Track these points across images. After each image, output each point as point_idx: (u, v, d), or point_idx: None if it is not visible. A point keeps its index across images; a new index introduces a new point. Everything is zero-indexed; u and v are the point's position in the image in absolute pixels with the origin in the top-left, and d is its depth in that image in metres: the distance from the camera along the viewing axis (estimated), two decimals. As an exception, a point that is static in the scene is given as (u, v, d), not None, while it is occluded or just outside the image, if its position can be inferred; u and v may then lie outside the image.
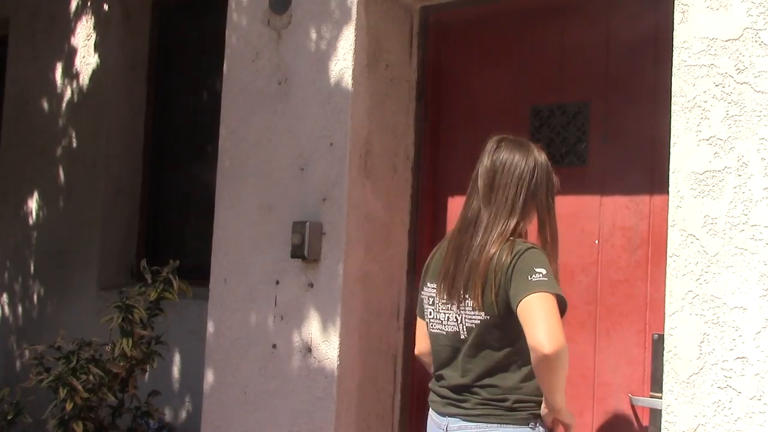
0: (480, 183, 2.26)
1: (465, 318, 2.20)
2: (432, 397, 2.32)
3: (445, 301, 2.25)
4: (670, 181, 2.22)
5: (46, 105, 4.85)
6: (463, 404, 2.21)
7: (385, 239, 3.17)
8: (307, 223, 3.05)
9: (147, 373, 3.60)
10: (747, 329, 2.06)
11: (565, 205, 2.96)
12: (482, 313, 2.15)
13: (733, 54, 2.14)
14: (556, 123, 3.00)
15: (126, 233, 4.62)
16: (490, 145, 2.30)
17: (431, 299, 2.31)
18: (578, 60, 2.97)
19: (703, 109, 2.18)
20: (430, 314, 2.31)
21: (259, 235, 3.27)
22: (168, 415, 3.99)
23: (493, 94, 3.17)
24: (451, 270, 2.23)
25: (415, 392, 3.24)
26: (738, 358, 2.07)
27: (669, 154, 2.25)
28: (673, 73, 2.25)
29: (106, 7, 4.61)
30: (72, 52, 4.73)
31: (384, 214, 3.16)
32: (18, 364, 4.79)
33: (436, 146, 3.29)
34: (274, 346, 3.19)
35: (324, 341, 3.03)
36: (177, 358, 4.06)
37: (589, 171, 2.91)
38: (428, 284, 2.35)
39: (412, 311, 3.25)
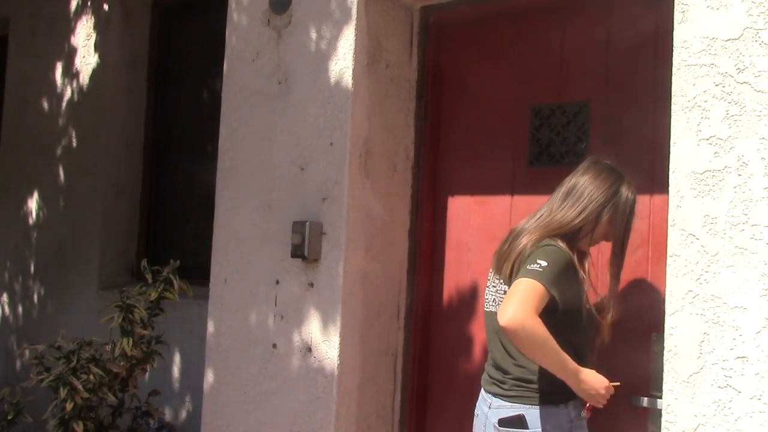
0: (559, 191, 2.47)
1: (497, 299, 2.43)
2: (483, 375, 2.55)
3: (491, 281, 2.50)
4: (670, 180, 2.22)
5: (46, 105, 4.85)
6: (502, 384, 2.42)
7: (385, 239, 3.17)
8: (307, 223, 3.05)
9: (147, 373, 3.60)
10: (747, 329, 2.06)
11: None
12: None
13: (734, 54, 2.14)
14: (556, 123, 3.00)
15: (126, 233, 4.62)
16: (586, 163, 2.51)
17: (488, 281, 2.55)
18: (578, 60, 2.97)
19: (704, 109, 2.18)
20: (485, 295, 2.55)
21: (259, 234, 3.27)
22: (168, 415, 3.99)
23: (493, 94, 3.17)
24: (498, 253, 2.48)
25: (415, 392, 3.24)
26: (738, 357, 2.07)
27: (669, 153, 2.25)
28: (673, 73, 2.25)
29: (106, 7, 4.61)
30: (72, 52, 4.73)
31: (384, 214, 3.16)
32: (18, 363, 4.79)
33: (436, 146, 3.29)
34: (274, 345, 3.19)
35: (324, 341, 3.03)
36: (177, 358, 4.06)
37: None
38: (491, 269, 2.56)
39: (412, 311, 3.25)
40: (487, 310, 2.51)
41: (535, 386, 2.34)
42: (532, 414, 2.32)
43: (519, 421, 2.34)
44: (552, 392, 2.32)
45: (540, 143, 3.04)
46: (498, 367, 2.45)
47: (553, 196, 2.48)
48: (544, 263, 2.25)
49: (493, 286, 2.49)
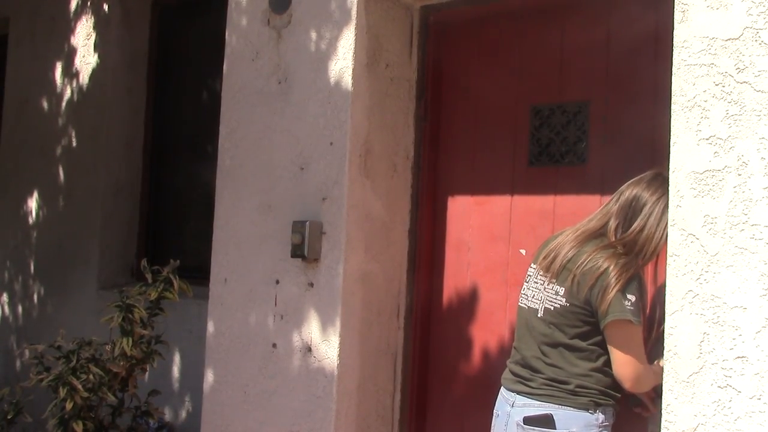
0: (620, 202, 2.44)
1: (547, 298, 2.39)
2: (505, 373, 2.51)
3: (537, 279, 2.45)
4: (669, 180, 2.22)
5: (46, 105, 4.85)
6: (529, 383, 2.38)
7: (385, 239, 3.17)
8: (307, 223, 3.05)
9: (147, 373, 3.59)
10: (747, 328, 2.06)
11: (565, 204, 2.96)
12: (563, 299, 2.34)
13: (733, 53, 2.14)
14: (556, 122, 3.00)
15: (126, 233, 4.62)
16: (648, 174, 2.47)
17: (528, 277, 2.51)
18: (578, 60, 2.97)
19: (703, 109, 2.18)
20: (523, 289, 2.51)
21: (259, 234, 3.27)
22: (168, 415, 3.99)
23: (493, 94, 3.17)
24: (554, 252, 2.42)
25: (415, 392, 3.24)
26: (738, 357, 2.07)
27: (669, 153, 2.25)
28: (673, 73, 2.25)
29: (106, 7, 4.61)
30: (72, 52, 4.73)
31: (384, 214, 3.16)
32: (18, 363, 4.79)
33: (436, 146, 3.29)
34: (274, 345, 3.19)
35: (324, 341, 3.03)
36: (177, 358, 4.06)
37: (589, 170, 2.91)
38: (532, 264, 2.53)
39: (412, 310, 3.25)
40: (526, 306, 2.46)
41: (568, 387, 2.31)
42: (561, 414, 2.30)
43: (547, 420, 2.32)
44: (584, 396, 2.31)
45: (540, 143, 3.04)
46: (527, 365, 2.41)
47: (618, 204, 2.43)
48: (633, 298, 2.26)
49: (541, 284, 2.42)
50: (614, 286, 2.25)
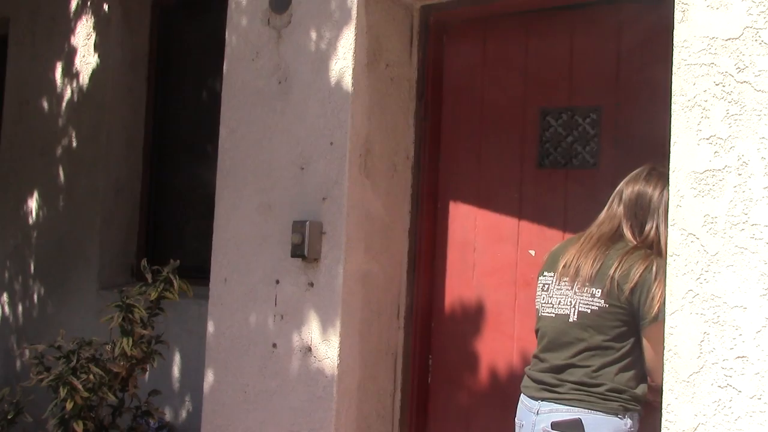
0: (624, 202, 2.45)
1: (581, 302, 2.36)
2: (525, 382, 2.46)
3: (561, 285, 2.42)
4: (670, 180, 2.22)
5: (46, 105, 4.85)
6: (557, 389, 2.34)
7: (385, 239, 3.17)
8: (307, 223, 3.05)
9: (147, 373, 3.60)
10: (747, 328, 2.06)
11: (575, 207, 2.97)
12: (602, 301, 2.33)
13: (734, 53, 2.14)
14: (564, 126, 3.00)
15: (126, 233, 4.62)
16: (643, 170, 2.48)
17: (546, 286, 2.48)
18: (585, 62, 2.96)
19: (704, 108, 2.17)
20: (543, 299, 2.47)
21: (259, 234, 3.27)
22: (168, 415, 3.98)
23: (494, 93, 3.17)
24: (577, 260, 2.40)
25: (415, 391, 3.23)
26: (738, 357, 2.07)
27: (669, 152, 2.25)
28: (673, 72, 2.25)
29: (106, 7, 4.60)
30: (72, 52, 4.73)
31: (384, 214, 3.16)
32: (18, 363, 4.78)
33: (436, 146, 3.28)
34: (274, 345, 3.19)
35: (324, 340, 3.03)
36: (177, 358, 4.06)
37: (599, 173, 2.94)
38: (544, 273, 2.51)
39: (412, 310, 3.25)
40: (553, 313, 2.42)
41: (599, 390, 2.29)
42: (591, 419, 2.27)
43: (576, 425, 2.28)
44: (614, 400, 2.29)
45: (543, 145, 3.04)
46: (554, 372, 2.37)
47: (622, 205, 2.45)
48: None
49: (568, 290, 2.40)
50: (659, 288, 2.27)
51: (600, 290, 2.32)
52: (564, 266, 2.42)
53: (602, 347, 2.31)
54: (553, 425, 2.30)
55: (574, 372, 2.33)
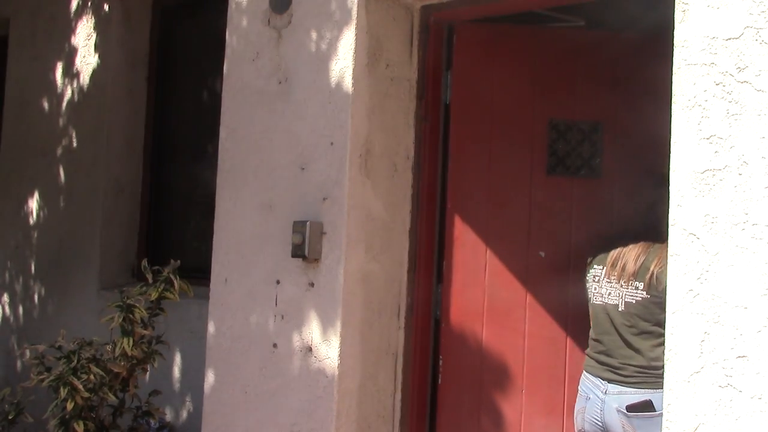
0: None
1: (627, 294, 2.79)
2: (588, 362, 2.89)
3: (611, 279, 2.85)
4: (670, 180, 2.22)
5: (46, 105, 4.85)
6: (620, 371, 2.76)
7: (386, 239, 3.17)
8: (308, 223, 3.05)
9: (148, 373, 3.59)
10: (748, 328, 2.06)
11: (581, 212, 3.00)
12: (644, 293, 2.77)
13: (734, 53, 2.14)
14: (570, 135, 3.02)
15: (126, 233, 4.61)
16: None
17: (596, 277, 2.93)
18: (583, 61, 2.97)
19: (704, 108, 2.18)
20: (594, 289, 2.92)
21: (259, 234, 3.27)
22: (169, 415, 3.98)
23: (494, 93, 3.17)
24: (624, 258, 2.84)
25: (415, 391, 3.23)
26: (739, 356, 2.07)
27: (669, 152, 2.25)
28: (673, 72, 2.25)
29: (106, 7, 4.60)
30: (72, 52, 4.73)
31: (384, 214, 3.16)
32: (19, 363, 4.78)
33: (436, 146, 3.28)
34: (274, 345, 3.19)
35: (324, 341, 3.03)
36: (178, 358, 4.05)
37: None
38: (594, 266, 2.95)
39: (412, 310, 3.25)
40: (604, 303, 2.86)
41: (658, 372, 2.53)
42: (658, 397, 2.47)
43: (647, 405, 2.65)
44: None
45: (549, 147, 3.05)
46: (613, 355, 2.78)
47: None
48: None
49: (616, 284, 2.83)
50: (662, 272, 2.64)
51: (642, 284, 2.77)
52: (612, 265, 2.85)
53: (647, 331, 2.72)
54: (629, 408, 2.68)
55: (632, 355, 2.72)
